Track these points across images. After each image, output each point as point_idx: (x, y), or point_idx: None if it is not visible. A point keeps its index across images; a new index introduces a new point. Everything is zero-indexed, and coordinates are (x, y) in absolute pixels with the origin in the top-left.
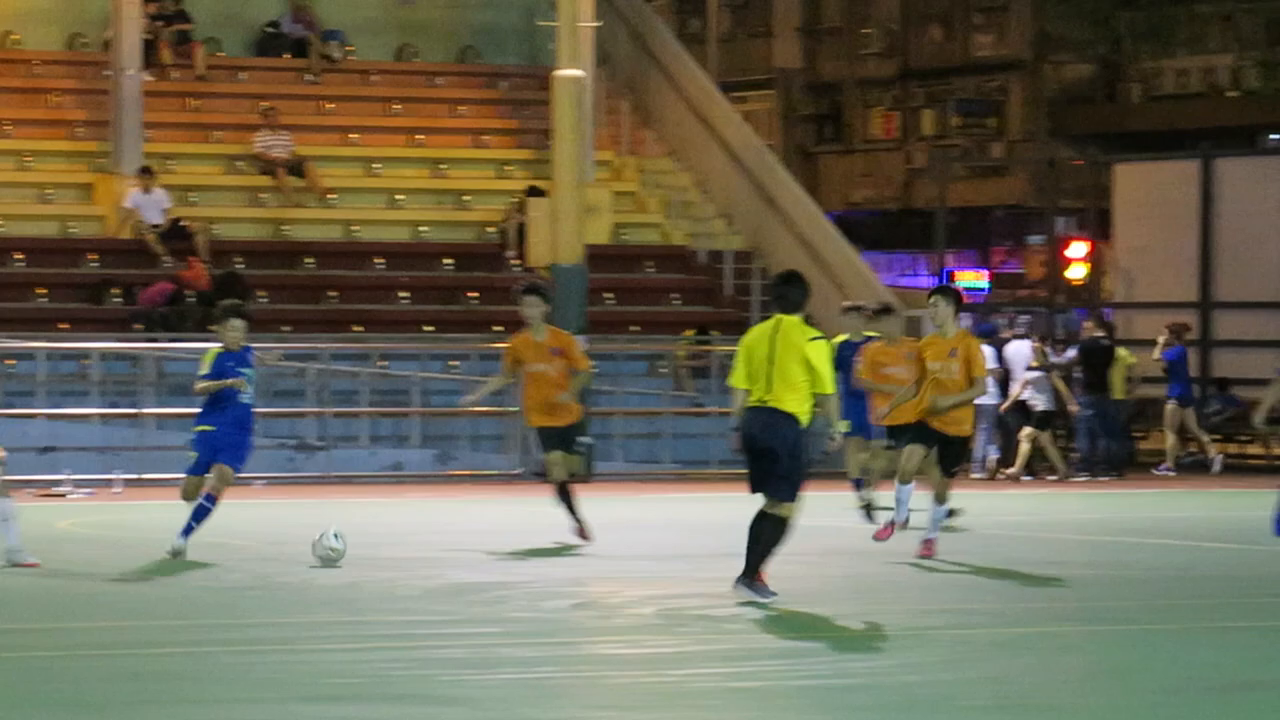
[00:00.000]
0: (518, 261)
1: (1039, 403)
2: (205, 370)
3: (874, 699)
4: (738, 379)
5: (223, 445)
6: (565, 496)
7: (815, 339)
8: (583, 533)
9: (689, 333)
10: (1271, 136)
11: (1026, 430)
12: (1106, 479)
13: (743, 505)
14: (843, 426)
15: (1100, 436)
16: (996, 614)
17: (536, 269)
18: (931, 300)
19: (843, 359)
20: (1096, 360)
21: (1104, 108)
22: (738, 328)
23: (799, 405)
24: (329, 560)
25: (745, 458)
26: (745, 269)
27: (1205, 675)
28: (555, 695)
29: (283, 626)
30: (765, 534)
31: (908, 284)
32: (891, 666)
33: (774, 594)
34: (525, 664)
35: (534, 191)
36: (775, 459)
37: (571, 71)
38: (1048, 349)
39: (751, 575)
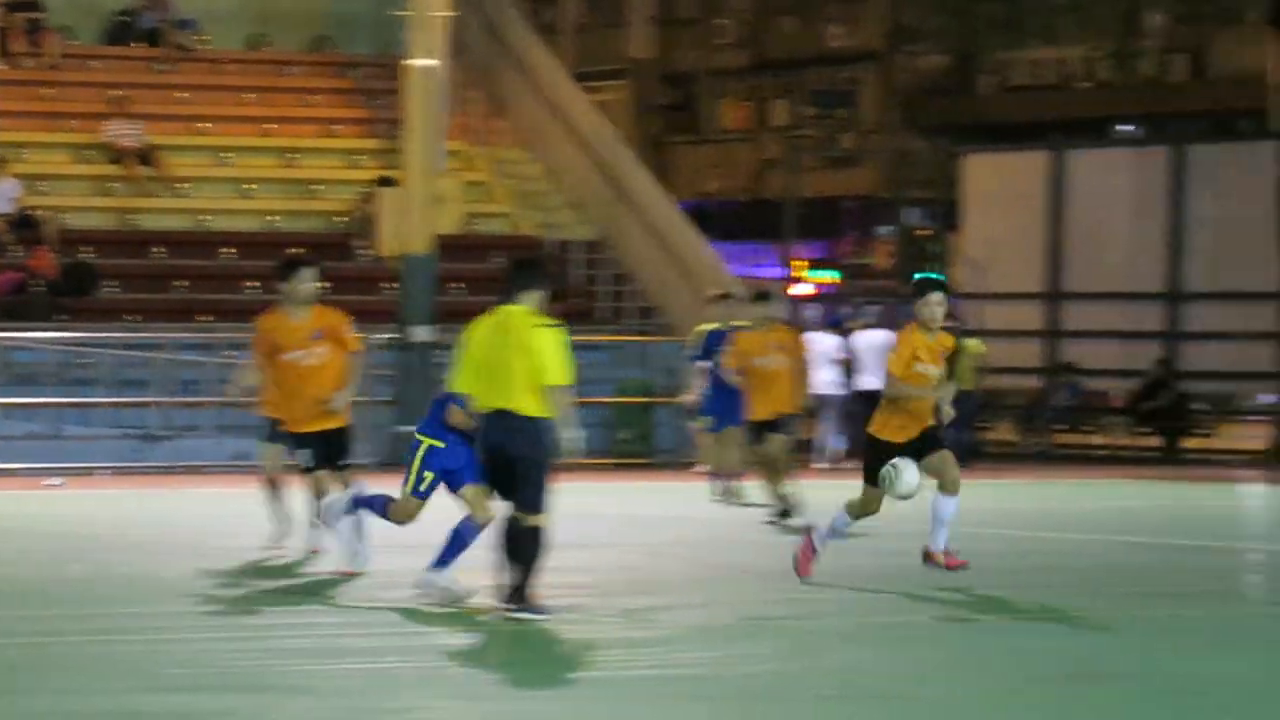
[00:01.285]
0: (367, 251)
1: None
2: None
3: (716, 689)
4: (461, 382)
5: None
6: (278, 492)
7: (541, 326)
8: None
9: None
10: (1119, 127)
11: None
12: None
13: (589, 496)
14: (569, 433)
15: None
16: (845, 605)
17: (387, 258)
18: (937, 299)
19: (709, 349)
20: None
21: (957, 99)
22: (583, 318)
23: (539, 406)
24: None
25: (485, 464)
26: (595, 259)
27: (1052, 665)
28: (397, 685)
29: (125, 617)
30: (525, 551)
31: (757, 274)
32: (735, 656)
33: (549, 612)
34: (369, 654)
35: (384, 181)
36: (520, 467)
37: (424, 61)
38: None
39: (523, 597)
